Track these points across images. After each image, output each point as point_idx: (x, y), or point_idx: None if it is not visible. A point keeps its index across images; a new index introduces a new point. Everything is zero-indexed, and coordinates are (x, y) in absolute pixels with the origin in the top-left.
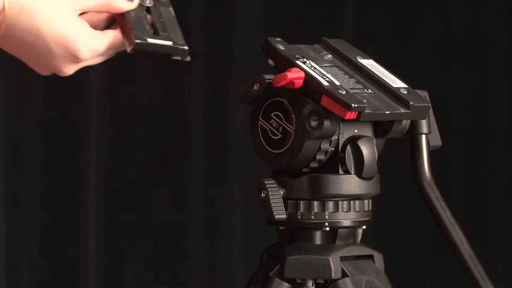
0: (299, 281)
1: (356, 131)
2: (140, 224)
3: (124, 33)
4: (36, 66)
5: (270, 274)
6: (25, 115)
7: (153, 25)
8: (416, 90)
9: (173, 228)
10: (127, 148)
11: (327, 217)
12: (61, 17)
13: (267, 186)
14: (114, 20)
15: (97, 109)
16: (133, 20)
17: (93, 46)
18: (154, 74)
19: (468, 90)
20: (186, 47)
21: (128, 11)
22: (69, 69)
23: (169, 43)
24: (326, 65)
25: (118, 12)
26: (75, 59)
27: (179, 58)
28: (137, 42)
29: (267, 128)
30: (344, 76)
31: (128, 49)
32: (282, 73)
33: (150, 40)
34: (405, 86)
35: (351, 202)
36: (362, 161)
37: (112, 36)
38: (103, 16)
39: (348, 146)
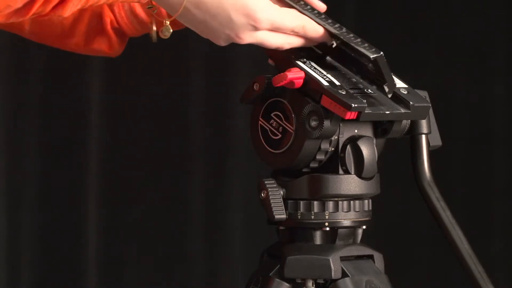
0: (299, 281)
1: (356, 131)
2: (140, 225)
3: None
4: (214, 37)
5: (270, 274)
6: (25, 115)
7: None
8: (416, 90)
9: (173, 228)
10: (127, 148)
11: (327, 217)
12: None
13: (267, 186)
14: None
15: (97, 109)
16: None
17: (271, 16)
18: (154, 74)
19: (468, 90)
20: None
21: None
22: (247, 36)
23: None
24: (326, 65)
25: None
26: (254, 28)
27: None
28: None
29: (267, 128)
30: (344, 76)
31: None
32: (282, 73)
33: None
34: (405, 86)
35: (351, 202)
36: (362, 161)
37: (293, 12)
38: None
39: (348, 146)
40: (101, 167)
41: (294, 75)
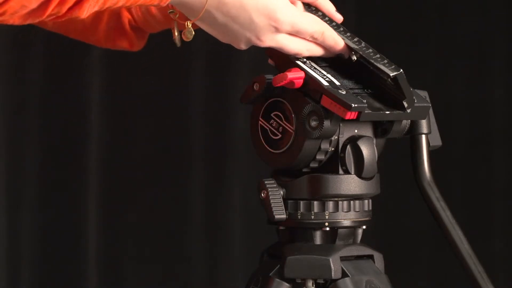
0: (299, 281)
1: (356, 131)
2: (140, 224)
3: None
4: (235, 41)
5: (270, 274)
6: (25, 115)
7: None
8: (416, 90)
9: (173, 228)
10: (127, 149)
11: (327, 217)
12: None
13: (267, 186)
14: None
15: (97, 109)
16: None
17: (292, 17)
18: (154, 74)
19: (468, 90)
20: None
21: None
22: (268, 39)
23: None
24: (326, 65)
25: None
26: (275, 29)
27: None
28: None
29: (267, 128)
30: (344, 76)
31: (349, 56)
32: (282, 73)
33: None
34: None
35: (351, 202)
36: (362, 161)
37: (314, 17)
38: None
39: (348, 146)
40: (101, 167)
41: (294, 75)
